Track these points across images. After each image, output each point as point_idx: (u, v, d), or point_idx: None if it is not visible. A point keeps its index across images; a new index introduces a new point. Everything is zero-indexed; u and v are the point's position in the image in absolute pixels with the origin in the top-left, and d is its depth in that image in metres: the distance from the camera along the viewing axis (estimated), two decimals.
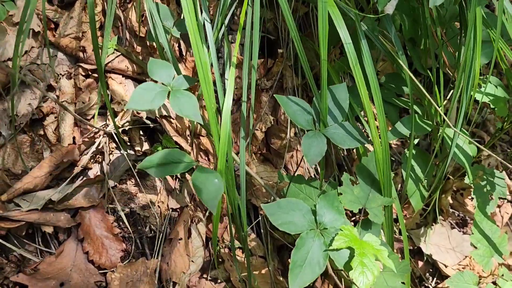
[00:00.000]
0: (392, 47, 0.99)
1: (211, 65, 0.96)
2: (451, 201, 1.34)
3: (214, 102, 0.89)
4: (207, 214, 1.15)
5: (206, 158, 1.18)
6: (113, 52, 1.10)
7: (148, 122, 1.10)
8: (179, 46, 1.20)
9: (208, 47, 0.95)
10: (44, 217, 0.96)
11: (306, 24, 1.30)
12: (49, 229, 0.97)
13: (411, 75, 0.93)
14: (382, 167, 0.94)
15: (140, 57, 1.13)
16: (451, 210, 1.35)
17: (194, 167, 0.89)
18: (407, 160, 1.06)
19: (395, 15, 1.03)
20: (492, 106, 1.07)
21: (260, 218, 1.16)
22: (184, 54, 1.20)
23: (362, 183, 1.00)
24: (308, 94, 1.28)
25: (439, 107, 1.07)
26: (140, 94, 0.84)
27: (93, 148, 1.03)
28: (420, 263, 1.31)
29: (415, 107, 1.09)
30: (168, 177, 1.16)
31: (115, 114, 1.06)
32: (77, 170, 1.01)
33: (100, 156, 1.08)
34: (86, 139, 1.03)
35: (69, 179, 1.00)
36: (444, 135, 1.04)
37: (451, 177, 1.29)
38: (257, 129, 1.19)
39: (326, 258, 0.83)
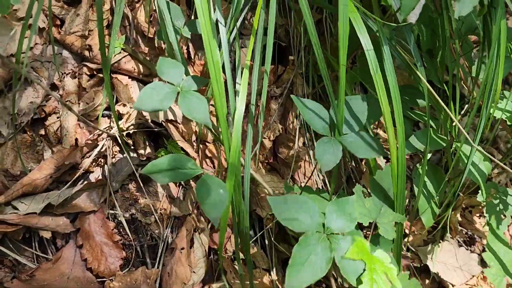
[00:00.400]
0: (410, 58, 0.96)
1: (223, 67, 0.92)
2: (459, 219, 1.31)
3: (225, 106, 0.85)
4: (210, 224, 1.11)
5: (212, 165, 1.14)
6: (120, 52, 1.07)
7: (153, 126, 1.06)
8: (188, 48, 1.16)
9: (220, 47, 0.92)
10: (42, 221, 0.91)
11: (318, 32, 1.26)
12: (47, 234, 0.93)
13: (430, 87, 0.90)
14: (398, 183, 0.90)
15: (148, 58, 1.09)
16: (459, 227, 1.32)
17: (200, 174, 0.85)
18: (420, 176, 1.03)
19: (413, 25, 1.00)
20: (508, 123, 1.04)
21: (264, 230, 1.12)
22: (192, 57, 1.17)
23: (374, 196, 0.97)
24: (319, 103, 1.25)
25: (453, 123, 1.04)
26: (148, 94, 0.80)
27: (96, 151, 0.99)
28: (427, 281, 1.27)
29: (431, 122, 1.06)
30: (171, 184, 1.12)
31: (119, 117, 1.03)
32: (78, 173, 0.97)
33: (102, 159, 1.04)
34: (89, 141, 0.99)
35: (70, 182, 0.96)
36: (460, 153, 1.00)
37: (461, 194, 1.26)
38: (265, 137, 1.16)
39: (329, 264, 0.79)
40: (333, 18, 1.19)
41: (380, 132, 1.32)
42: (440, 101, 0.92)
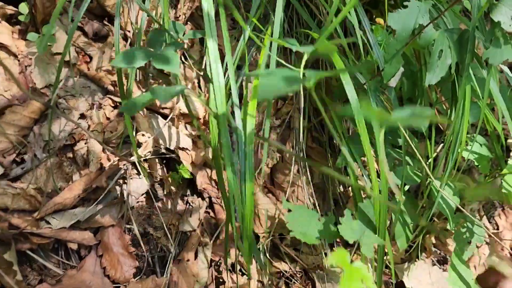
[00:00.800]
0: (391, 106, 1.12)
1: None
2: (434, 241, 1.47)
3: (228, 137, 0.99)
4: (213, 239, 1.27)
5: (216, 188, 1.30)
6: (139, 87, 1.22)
7: (166, 152, 1.22)
8: (199, 82, 1.31)
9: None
10: (71, 235, 1.07)
11: (314, 66, 1.42)
12: (74, 246, 1.09)
13: (406, 134, 1.06)
14: (380, 213, 1.06)
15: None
16: (433, 248, 1.48)
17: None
18: (397, 205, 1.19)
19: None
20: (476, 164, 1.20)
21: (260, 246, 1.27)
22: (202, 89, 1.32)
23: (359, 221, 1.12)
24: (313, 134, 1.40)
25: (428, 160, 1.20)
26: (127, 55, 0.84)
27: (118, 175, 1.15)
28: None
29: (408, 159, 1.21)
30: (180, 202, 1.27)
31: (138, 144, 1.18)
32: (103, 194, 1.12)
33: (121, 180, 1.20)
34: (112, 166, 1.14)
35: (95, 202, 1.11)
36: (432, 187, 1.16)
37: (436, 219, 1.42)
38: (264, 165, 1.31)
39: None
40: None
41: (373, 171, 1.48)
42: (414, 146, 1.08)
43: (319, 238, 1.09)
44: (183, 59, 1.28)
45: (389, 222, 1.41)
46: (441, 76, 0.90)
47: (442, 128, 1.42)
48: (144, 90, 1.21)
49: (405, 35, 0.88)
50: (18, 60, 1.16)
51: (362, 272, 1.00)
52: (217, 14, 1.12)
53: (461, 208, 1.18)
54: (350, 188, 1.42)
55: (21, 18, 1.17)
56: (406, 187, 1.26)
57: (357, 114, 1.03)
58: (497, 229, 1.63)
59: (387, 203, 1.05)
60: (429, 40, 0.88)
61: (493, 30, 0.87)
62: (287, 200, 1.33)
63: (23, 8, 1.18)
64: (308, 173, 1.37)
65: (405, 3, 0.88)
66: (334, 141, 1.45)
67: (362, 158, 1.27)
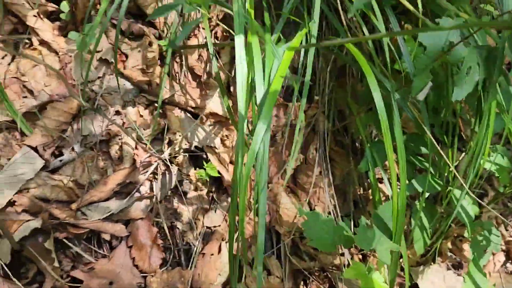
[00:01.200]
0: (419, 114, 1.14)
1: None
2: (450, 246, 1.50)
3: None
4: (236, 235, 1.32)
5: None
6: (173, 86, 1.27)
7: (196, 150, 1.27)
8: (228, 83, 1.36)
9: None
10: (104, 226, 1.13)
11: (339, 74, 1.45)
12: (107, 237, 1.15)
13: (434, 141, 1.09)
14: (397, 219, 1.09)
15: (195, 93, 1.29)
16: (449, 253, 1.51)
17: None
18: (417, 212, 1.22)
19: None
20: (497, 174, 1.22)
21: (281, 244, 1.32)
22: (231, 90, 1.36)
23: (375, 227, 1.16)
24: (336, 137, 1.44)
25: (450, 168, 1.22)
26: None
27: (150, 170, 1.20)
28: None
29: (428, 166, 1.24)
30: (205, 197, 1.32)
31: (170, 142, 1.23)
32: (135, 189, 1.18)
33: (151, 175, 1.25)
34: (145, 162, 1.20)
35: (128, 197, 1.17)
36: (452, 196, 1.19)
37: (453, 225, 1.45)
38: (288, 165, 1.35)
39: None
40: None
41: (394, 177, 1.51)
42: (442, 153, 1.11)
43: (335, 245, 1.13)
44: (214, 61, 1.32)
45: (406, 226, 1.45)
46: (468, 92, 0.93)
47: (464, 136, 1.44)
48: (176, 89, 1.26)
49: (435, 51, 0.91)
50: (59, 57, 1.21)
51: (379, 283, 1.06)
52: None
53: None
54: (370, 191, 1.46)
55: (62, 16, 1.22)
56: (427, 194, 1.29)
57: (383, 121, 1.06)
58: None
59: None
60: (459, 57, 0.91)
61: None
62: (309, 201, 1.37)
63: (64, 6, 1.23)
64: (330, 175, 1.40)
65: (436, 20, 0.91)
66: (357, 144, 1.48)
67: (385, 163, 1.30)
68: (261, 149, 0.82)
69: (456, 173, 1.12)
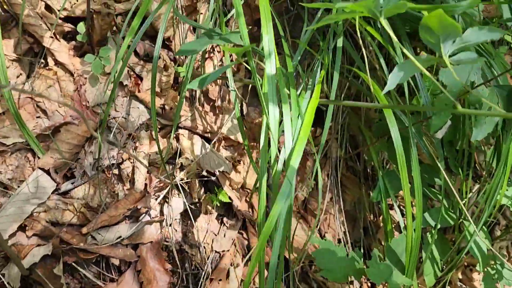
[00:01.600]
0: (433, 149, 1.13)
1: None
2: (460, 276, 1.48)
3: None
4: (245, 260, 1.31)
5: (251, 210, 1.34)
6: (186, 110, 1.26)
7: (207, 175, 1.26)
8: (241, 107, 1.35)
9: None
10: (114, 251, 1.12)
11: (353, 100, 1.44)
12: (116, 261, 1.14)
13: (447, 178, 1.07)
14: (411, 251, 1.08)
15: (208, 117, 1.28)
16: (459, 283, 1.49)
17: None
18: (428, 244, 1.21)
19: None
20: (511, 209, 1.21)
21: (290, 272, 1.31)
22: (244, 114, 1.35)
23: (388, 260, 1.15)
24: (347, 163, 1.43)
25: (463, 201, 1.21)
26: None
27: (162, 195, 1.20)
28: None
29: (444, 200, 1.23)
30: (216, 222, 1.31)
31: (182, 167, 1.22)
32: (146, 213, 1.17)
33: (162, 199, 1.25)
34: (156, 186, 1.19)
35: (139, 221, 1.16)
36: (466, 230, 1.18)
37: (464, 255, 1.43)
38: (299, 191, 1.34)
39: None
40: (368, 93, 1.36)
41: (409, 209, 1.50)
42: (453, 189, 1.09)
43: (346, 276, 1.12)
44: (227, 84, 1.32)
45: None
46: (488, 132, 0.91)
47: (477, 165, 1.43)
48: (190, 113, 1.26)
49: (456, 91, 0.90)
50: (74, 79, 1.21)
51: None
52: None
53: (492, 250, 1.20)
54: (381, 218, 1.44)
55: (78, 37, 1.22)
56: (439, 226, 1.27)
57: (399, 155, 1.05)
58: None
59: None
60: (479, 98, 0.90)
61: None
62: (319, 227, 1.36)
63: (81, 28, 1.23)
64: (341, 201, 1.39)
65: (455, 57, 0.89)
66: (368, 171, 1.47)
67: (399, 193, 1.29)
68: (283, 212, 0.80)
69: (466, 212, 1.10)
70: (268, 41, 0.82)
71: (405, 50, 0.55)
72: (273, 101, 0.76)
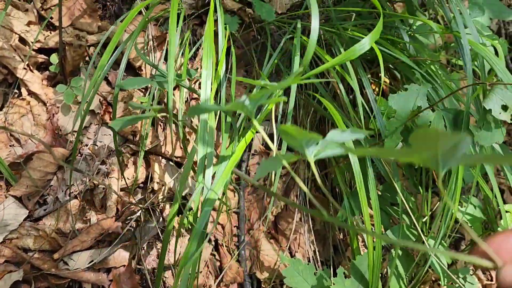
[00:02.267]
0: (390, 169, 1.19)
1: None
2: None
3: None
4: (217, 281, 1.34)
5: (222, 231, 1.37)
6: (157, 136, 1.31)
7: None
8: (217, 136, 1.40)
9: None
10: (86, 276, 1.14)
11: (319, 123, 1.50)
12: (88, 286, 1.16)
13: (403, 199, 1.13)
14: (373, 268, 1.13)
15: (179, 142, 1.33)
16: None
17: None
18: (393, 259, 1.25)
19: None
20: (469, 225, 1.27)
21: None
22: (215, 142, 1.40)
23: (353, 278, 1.19)
24: (316, 184, 1.48)
25: (424, 219, 1.27)
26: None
27: (133, 220, 1.23)
28: None
29: (404, 216, 1.28)
30: (187, 242, 1.35)
31: (153, 191, 1.26)
32: (118, 238, 1.20)
33: (134, 223, 1.28)
34: (128, 211, 1.23)
35: (111, 246, 1.19)
36: (427, 245, 1.23)
37: (430, 270, 1.48)
38: (268, 212, 1.39)
39: None
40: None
41: (369, 227, 1.55)
42: (408, 208, 1.15)
43: None
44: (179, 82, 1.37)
45: (384, 273, 1.48)
46: None
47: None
48: (161, 139, 1.30)
49: (404, 115, 0.96)
50: (46, 108, 1.25)
51: None
52: (232, 67, 1.22)
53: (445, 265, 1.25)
54: (349, 236, 1.49)
55: (51, 68, 1.27)
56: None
57: (357, 174, 1.10)
58: (491, 280, 1.68)
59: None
60: (426, 121, 0.96)
61: (484, 115, 0.95)
62: (289, 247, 1.40)
63: (54, 59, 1.27)
64: (310, 221, 1.44)
65: (405, 86, 0.96)
66: (337, 190, 1.52)
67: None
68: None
69: (419, 230, 1.16)
70: (205, 76, 0.87)
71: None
72: (203, 142, 0.81)
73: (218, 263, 1.38)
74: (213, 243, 1.38)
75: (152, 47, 1.38)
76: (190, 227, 1.31)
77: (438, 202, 1.40)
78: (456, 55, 1.59)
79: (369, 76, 1.41)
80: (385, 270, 1.47)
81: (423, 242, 1.27)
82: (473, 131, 0.97)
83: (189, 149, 1.33)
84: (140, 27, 1.06)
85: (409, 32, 1.22)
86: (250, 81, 0.70)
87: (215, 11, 1.12)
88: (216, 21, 1.22)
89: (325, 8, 1.34)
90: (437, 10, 1.45)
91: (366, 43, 0.65)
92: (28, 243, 1.12)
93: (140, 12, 1.43)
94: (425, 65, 1.10)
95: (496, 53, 1.23)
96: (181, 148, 1.31)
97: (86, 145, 1.25)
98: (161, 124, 1.32)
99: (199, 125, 0.82)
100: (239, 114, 1.21)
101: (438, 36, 1.39)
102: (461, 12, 1.05)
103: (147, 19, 1.09)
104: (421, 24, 1.32)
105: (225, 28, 1.23)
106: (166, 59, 1.40)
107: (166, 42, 1.39)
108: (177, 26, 1.11)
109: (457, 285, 1.34)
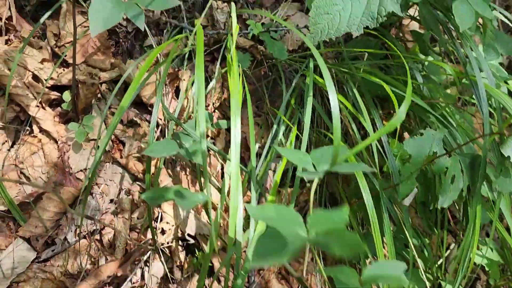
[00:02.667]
0: (401, 214, 1.17)
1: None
2: None
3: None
4: None
5: (232, 271, 1.35)
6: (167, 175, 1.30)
7: (189, 238, 1.28)
8: (223, 169, 1.39)
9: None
10: None
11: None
12: None
13: (414, 248, 1.10)
14: None
15: (190, 181, 1.32)
16: None
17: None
18: None
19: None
20: (487, 269, 1.23)
21: None
22: (224, 176, 1.39)
23: None
24: None
25: (440, 261, 1.23)
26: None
27: (143, 260, 1.21)
28: None
29: (420, 260, 1.25)
30: (196, 284, 1.32)
31: (163, 232, 1.24)
32: (126, 281, 1.18)
33: (143, 264, 1.25)
34: (137, 251, 1.20)
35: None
36: None
37: None
38: None
39: None
40: None
41: None
42: (426, 253, 1.12)
43: None
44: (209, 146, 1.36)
45: None
46: (453, 199, 0.96)
47: (454, 226, 1.46)
48: (172, 177, 1.29)
49: (420, 160, 0.95)
50: (58, 145, 1.25)
51: None
52: (244, 103, 1.22)
53: None
54: None
55: (64, 106, 1.27)
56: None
57: (373, 217, 1.08)
58: None
59: None
60: (442, 167, 0.94)
61: (503, 161, 0.93)
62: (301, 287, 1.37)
63: (66, 96, 1.28)
64: (321, 261, 1.41)
65: (420, 131, 0.95)
66: (349, 229, 1.50)
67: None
68: None
69: (434, 274, 1.13)
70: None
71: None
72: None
73: None
74: (222, 284, 1.35)
75: (164, 85, 1.39)
76: (199, 267, 1.29)
77: (453, 243, 1.37)
78: (468, 92, 1.58)
79: (380, 112, 1.41)
80: None
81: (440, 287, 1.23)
82: (491, 176, 0.95)
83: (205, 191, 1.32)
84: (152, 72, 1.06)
85: (422, 73, 1.21)
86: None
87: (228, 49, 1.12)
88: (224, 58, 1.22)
89: (337, 48, 1.35)
90: (448, 48, 1.45)
91: (403, 112, 0.64)
92: (36, 286, 1.09)
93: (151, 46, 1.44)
94: (440, 107, 1.09)
95: (510, 93, 1.22)
96: (193, 188, 1.30)
97: (96, 184, 1.24)
98: (172, 163, 1.32)
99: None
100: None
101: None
102: (476, 55, 1.05)
103: (163, 65, 1.09)
104: (433, 60, 1.32)
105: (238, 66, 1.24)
106: (177, 96, 1.40)
107: (178, 79, 1.40)
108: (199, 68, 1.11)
109: None
